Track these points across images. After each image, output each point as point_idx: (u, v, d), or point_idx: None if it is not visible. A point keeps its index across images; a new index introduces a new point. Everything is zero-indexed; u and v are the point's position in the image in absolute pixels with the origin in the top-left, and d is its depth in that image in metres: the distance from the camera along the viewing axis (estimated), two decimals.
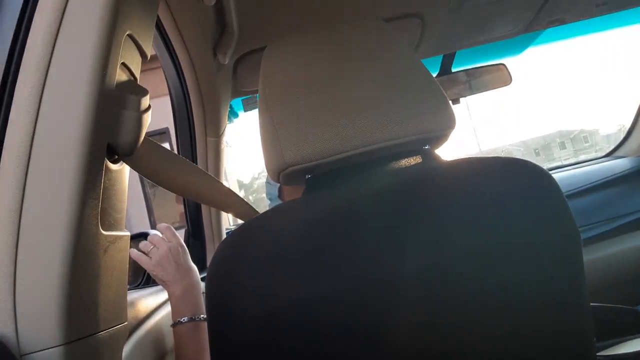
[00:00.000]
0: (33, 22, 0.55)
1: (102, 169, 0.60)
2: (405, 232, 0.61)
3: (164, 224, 1.00)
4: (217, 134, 1.45)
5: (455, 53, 1.79)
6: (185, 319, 0.91)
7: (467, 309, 0.59)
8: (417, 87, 0.70)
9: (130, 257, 1.43)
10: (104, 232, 0.62)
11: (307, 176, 0.72)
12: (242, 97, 1.65)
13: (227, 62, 1.26)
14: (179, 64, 1.23)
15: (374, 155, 0.70)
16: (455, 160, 0.70)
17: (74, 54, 0.55)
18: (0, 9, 0.58)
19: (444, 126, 0.69)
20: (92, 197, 0.58)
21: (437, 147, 0.77)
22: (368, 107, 0.68)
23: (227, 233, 1.72)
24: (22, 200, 0.53)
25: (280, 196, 1.23)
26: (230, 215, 1.66)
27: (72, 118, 0.54)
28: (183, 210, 1.53)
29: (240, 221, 1.03)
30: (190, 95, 1.32)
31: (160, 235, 0.99)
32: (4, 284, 0.51)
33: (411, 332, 0.58)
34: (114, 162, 0.66)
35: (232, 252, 0.63)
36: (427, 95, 0.69)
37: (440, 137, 0.71)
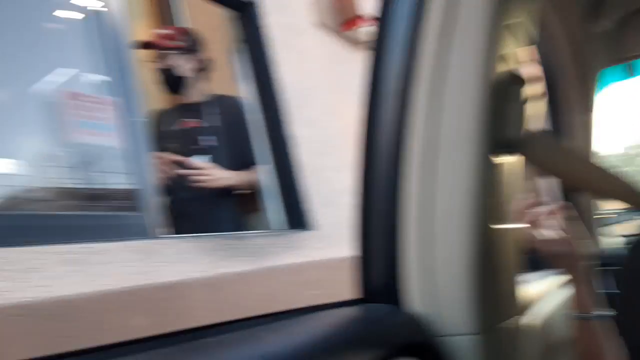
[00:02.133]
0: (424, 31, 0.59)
1: (492, 164, 0.62)
2: None
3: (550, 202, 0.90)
4: (588, 109, 1.30)
5: None
6: (594, 313, 0.81)
7: None
8: None
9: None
10: (499, 226, 0.64)
11: None
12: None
13: (607, 27, 1.10)
14: (551, 35, 1.14)
15: None
16: None
17: (464, 56, 0.57)
18: (393, 27, 0.65)
19: None
20: (483, 191, 0.60)
21: None
22: None
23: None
24: (434, 200, 0.59)
25: None
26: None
27: (468, 116, 0.57)
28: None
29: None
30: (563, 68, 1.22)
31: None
32: (429, 275, 0.59)
33: None
34: (504, 154, 0.67)
35: None
36: None
37: None
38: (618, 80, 1.49)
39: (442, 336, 0.56)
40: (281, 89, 1.74)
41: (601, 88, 1.58)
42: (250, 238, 1.48)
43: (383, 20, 0.65)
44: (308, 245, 1.63)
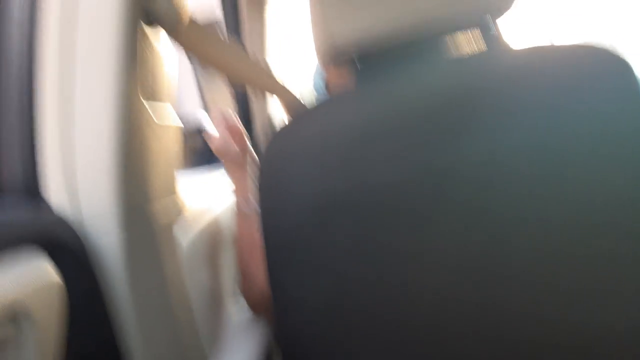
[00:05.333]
0: None
1: (137, 33, 0.62)
2: (461, 124, 0.58)
3: (225, 109, 0.97)
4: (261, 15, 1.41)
5: None
6: (251, 205, 0.92)
7: (530, 209, 0.54)
8: None
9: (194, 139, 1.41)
10: (144, 100, 0.65)
11: (358, 66, 0.70)
12: None
13: None
14: None
15: (431, 31, 0.65)
16: (524, 49, 0.62)
17: None
18: None
19: None
20: (130, 61, 0.60)
21: (498, 17, 0.68)
22: None
23: None
24: (75, 75, 0.56)
25: (327, 88, 1.20)
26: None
27: None
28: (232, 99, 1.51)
29: None
30: None
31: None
32: (71, 161, 0.57)
33: (463, 222, 0.57)
34: (151, 27, 0.67)
35: (286, 143, 0.63)
36: None
37: (502, 6, 0.64)
38: None
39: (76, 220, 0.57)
40: None
41: None
42: None
43: None
44: None
